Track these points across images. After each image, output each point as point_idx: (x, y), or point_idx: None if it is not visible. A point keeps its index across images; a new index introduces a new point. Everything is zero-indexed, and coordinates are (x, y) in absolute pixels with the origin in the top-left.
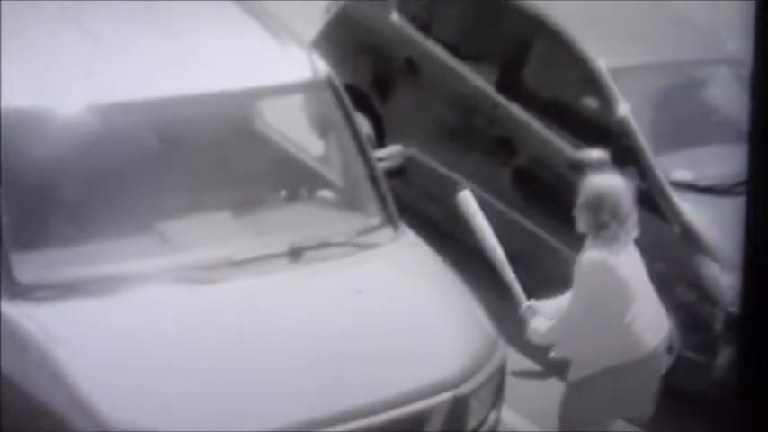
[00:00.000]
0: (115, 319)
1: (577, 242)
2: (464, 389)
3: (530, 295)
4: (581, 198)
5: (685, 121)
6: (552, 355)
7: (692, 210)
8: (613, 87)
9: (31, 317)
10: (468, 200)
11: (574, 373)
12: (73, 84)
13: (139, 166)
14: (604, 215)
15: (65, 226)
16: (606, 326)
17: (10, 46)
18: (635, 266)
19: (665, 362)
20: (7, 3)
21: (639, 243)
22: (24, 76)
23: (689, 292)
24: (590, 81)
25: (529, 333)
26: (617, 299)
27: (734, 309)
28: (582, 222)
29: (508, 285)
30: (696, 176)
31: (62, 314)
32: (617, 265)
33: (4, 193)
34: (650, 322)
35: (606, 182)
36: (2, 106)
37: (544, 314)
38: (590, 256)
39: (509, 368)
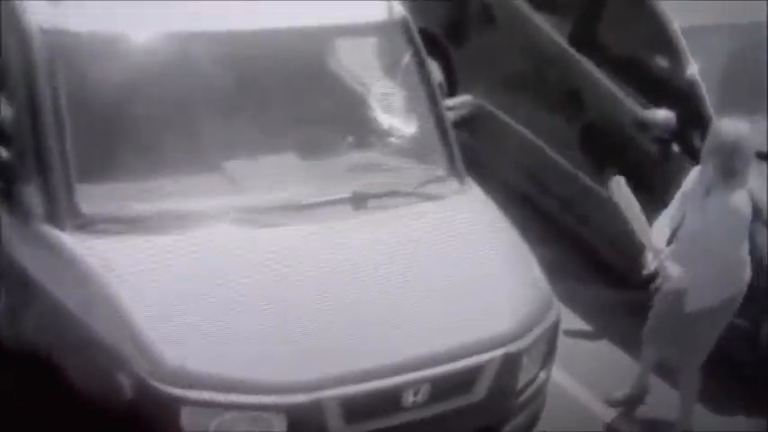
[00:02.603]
0: (177, 257)
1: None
2: (517, 346)
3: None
4: (711, 143)
5: (753, 84)
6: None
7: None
8: (684, 47)
9: (92, 249)
10: (621, 186)
11: (691, 305)
12: (148, 10)
13: (211, 101)
14: (737, 160)
15: (131, 159)
16: (733, 259)
17: None
18: None
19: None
20: None
21: None
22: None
23: None
24: (662, 40)
25: (666, 282)
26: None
27: None
28: (711, 167)
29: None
30: (759, 143)
31: (123, 249)
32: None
33: (72, 121)
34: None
35: (739, 127)
36: (73, 30)
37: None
38: (742, 200)
39: (562, 328)
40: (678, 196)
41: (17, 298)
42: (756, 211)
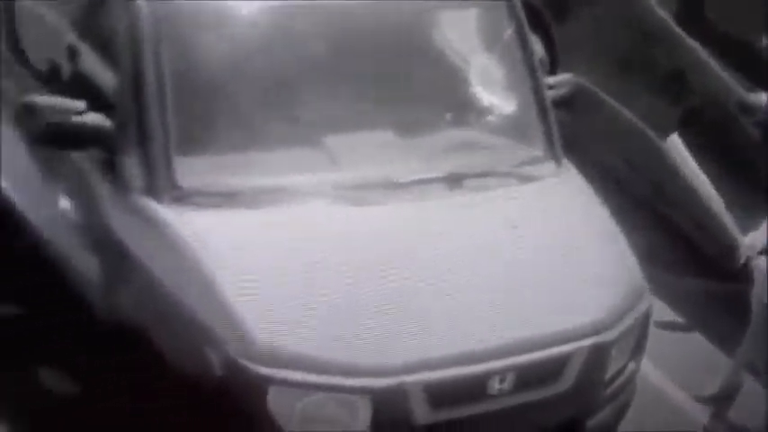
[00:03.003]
0: (271, 233)
1: (736, 185)
2: (607, 336)
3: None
4: None
5: None
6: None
7: None
8: None
9: (189, 223)
10: (677, 145)
11: None
12: None
13: (311, 75)
14: None
15: (230, 132)
16: None
17: None
18: None
19: None
20: None
21: None
22: None
23: None
24: None
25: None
26: None
27: None
28: None
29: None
30: None
31: (219, 223)
32: None
33: (174, 93)
34: None
35: None
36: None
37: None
38: None
39: (653, 319)
40: None
41: (114, 270)
42: None
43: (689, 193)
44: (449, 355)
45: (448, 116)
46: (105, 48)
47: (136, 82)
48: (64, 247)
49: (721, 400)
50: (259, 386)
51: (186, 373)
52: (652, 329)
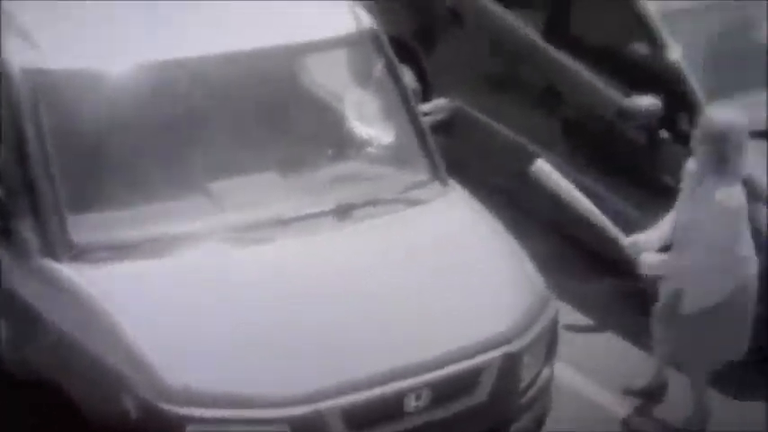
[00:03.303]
0: (169, 279)
1: (625, 192)
2: (516, 345)
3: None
4: (701, 130)
5: (739, 63)
6: (665, 287)
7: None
8: (663, 31)
9: (89, 278)
10: (544, 169)
11: (689, 306)
12: (120, 44)
13: (189, 125)
14: (728, 148)
15: (118, 187)
16: (728, 257)
17: (59, 10)
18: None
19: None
20: None
21: None
22: (72, 38)
23: None
24: (639, 25)
25: (641, 267)
26: (739, 231)
27: None
28: (701, 155)
29: (614, 242)
30: (750, 121)
31: (117, 275)
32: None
33: (58, 156)
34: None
35: (729, 115)
36: (53, 68)
37: (651, 246)
38: (730, 193)
39: (562, 322)
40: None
41: (22, 331)
42: (754, 190)
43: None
44: (363, 378)
45: (329, 152)
46: None
47: (19, 150)
48: None
49: (648, 395)
50: (177, 426)
51: (102, 421)
52: (565, 334)
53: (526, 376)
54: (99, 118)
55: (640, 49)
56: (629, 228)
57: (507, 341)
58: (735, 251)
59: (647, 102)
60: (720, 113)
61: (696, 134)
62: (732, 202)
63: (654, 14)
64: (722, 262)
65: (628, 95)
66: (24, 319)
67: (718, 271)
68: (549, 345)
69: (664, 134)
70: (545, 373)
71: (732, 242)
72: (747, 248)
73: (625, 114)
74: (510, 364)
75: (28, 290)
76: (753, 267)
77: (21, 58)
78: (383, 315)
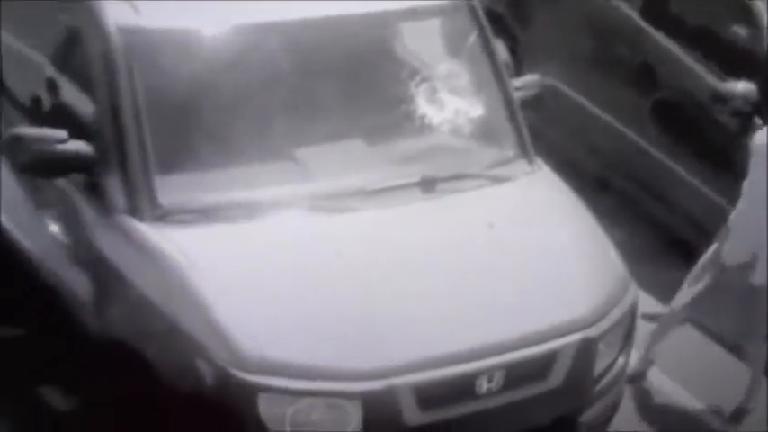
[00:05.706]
0: (251, 245)
1: (710, 177)
2: (593, 331)
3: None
4: None
5: None
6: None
7: None
8: (764, 14)
9: (171, 240)
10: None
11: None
12: (216, 5)
13: (279, 90)
14: None
15: (206, 149)
16: None
17: None
18: None
19: None
20: None
21: None
22: None
23: None
24: (739, 8)
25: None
26: None
27: None
28: None
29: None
30: None
31: (201, 238)
32: None
33: (150, 116)
34: None
35: None
36: (148, 27)
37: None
38: None
39: (640, 311)
40: None
41: (103, 289)
42: None
43: (678, 189)
44: (437, 356)
45: (417, 122)
46: (83, 78)
47: (113, 108)
48: (56, 270)
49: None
50: (249, 394)
51: (178, 385)
52: (641, 323)
53: (601, 364)
54: (192, 79)
55: (739, 32)
56: (710, 214)
57: (584, 326)
58: None
59: (742, 87)
60: None
61: None
62: None
63: None
64: None
65: (723, 79)
66: (106, 277)
67: None
68: (626, 332)
69: (757, 121)
70: (620, 361)
71: None
72: None
73: (720, 99)
74: (586, 351)
75: (110, 248)
76: None
77: (118, 17)
78: (462, 293)
